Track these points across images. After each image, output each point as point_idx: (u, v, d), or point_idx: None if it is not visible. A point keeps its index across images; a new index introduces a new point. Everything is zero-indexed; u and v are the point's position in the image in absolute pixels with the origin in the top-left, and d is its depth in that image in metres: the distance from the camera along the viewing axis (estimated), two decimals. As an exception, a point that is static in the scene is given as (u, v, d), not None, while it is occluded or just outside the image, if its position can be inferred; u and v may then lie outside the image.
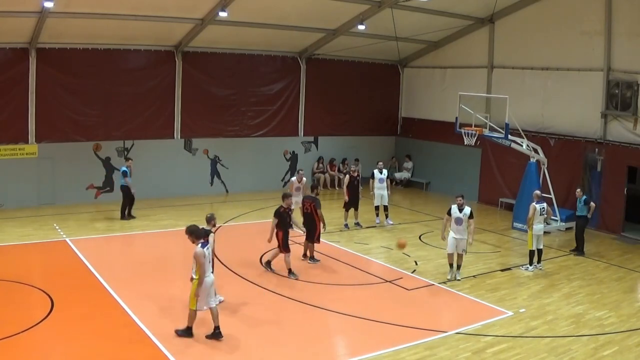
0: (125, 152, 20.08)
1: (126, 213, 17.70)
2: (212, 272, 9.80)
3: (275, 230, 13.06)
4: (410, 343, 9.84)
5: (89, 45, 18.83)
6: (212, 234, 10.56)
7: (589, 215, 15.62)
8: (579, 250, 15.69)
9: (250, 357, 9.35)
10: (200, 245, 9.52)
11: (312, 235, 14.04)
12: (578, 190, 15.80)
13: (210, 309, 9.69)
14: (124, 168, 17.67)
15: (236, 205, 20.12)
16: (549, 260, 14.90)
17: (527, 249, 14.44)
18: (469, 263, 14.36)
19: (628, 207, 17.95)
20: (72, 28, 17.50)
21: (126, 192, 17.58)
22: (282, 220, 13.03)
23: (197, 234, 9.61)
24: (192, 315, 9.63)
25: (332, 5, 18.39)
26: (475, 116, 18.24)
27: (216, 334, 9.69)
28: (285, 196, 13.38)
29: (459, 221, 12.95)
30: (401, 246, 14.05)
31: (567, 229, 17.97)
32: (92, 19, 16.95)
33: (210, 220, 10.98)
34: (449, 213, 13.09)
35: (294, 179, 17.10)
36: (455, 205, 13.04)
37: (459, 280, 12.94)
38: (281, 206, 13.19)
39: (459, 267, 13.19)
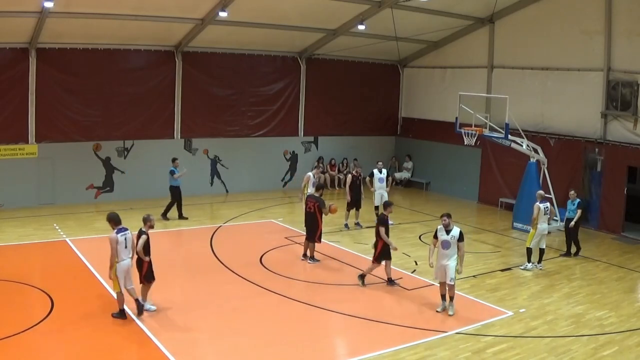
0: (126, 152, 20.11)
1: (169, 214, 17.71)
2: (131, 259, 10.38)
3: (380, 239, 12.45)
4: (410, 343, 9.84)
5: (89, 45, 18.84)
6: (144, 235, 10.47)
7: (571, 224, 15.11)
8: (568, 252, 15.43)
9: (250, 357, 9.35)
10: (115, 231, 10.15)
11: (313, 235, 14.03)
12: (572, 192, 15.49)
13: (127, 289, 10.33)
14: (171, 168, 17.70)
15: (236, 205, 20.12)
16: (549, 260, 14.90)
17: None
18: (469, 263, 14.34)
19: (628, 207, 17.95)
20: (72, 28, 17.50)
21: (174, 192, 17.61)
22: (387, 229, 12.51)
23: (114, 221, 10.29)
24: (119, 297, 10.32)
25: (332, 5, 18.40)
26: (475, 116, 18.24)
27: (121, 313, 10.38)
28: (388, 204, 12.92)
29: (445, 244, 11.21)
30: (332, 211, 14.29)
31: (567, 228, 17.99)
32: (92, 19, 16.96)
33: (146, 221, 10.77)
34: (436, 235, 11.35)
35: (311, 173, 16.90)
36: (442, 226, 11.27)
37: (451, 315, 11.14)
38: (383, 214, 12.71)
39: (451, 298, 11.28)
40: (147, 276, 10.69)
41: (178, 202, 17.75)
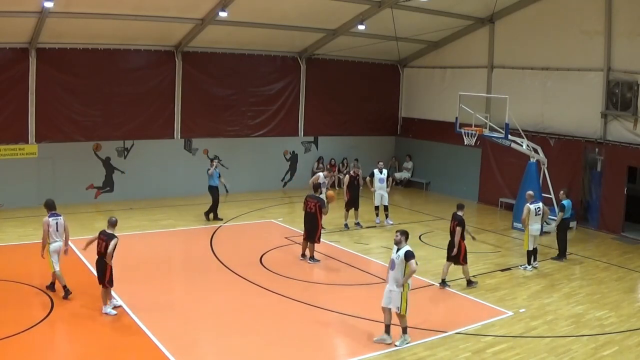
0: (126, 152, 20.11)
1: (210, 216, 17.78)
2: (63, 241, 11.35)
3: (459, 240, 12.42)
4: (410, 343, 9.83)
5: (89, 45, 18.83)
6: (115, 238, 10.44)
7: (551, 226, 14.90)
8: (560, 255, 15.15)
9: (250, 356, 9.35)
10: (48, 215, 11.21)
11: (313, 235, 14.02)
12: (561, 192, 15.37)
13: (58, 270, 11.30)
14: (209, 168, 17.85)
15: (236, 205, 20.10)
16: (550, 260, 14.90)
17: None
18: (469, 263, 14.33)
19: (628, 207, 17.95)
20: (72, 28, 17.50)
21: (213, 192, 17.68)
22: (464, 229, 12.57)
23: (48, 207, 11.37)
24: (53, 276, 11.34)
25: (332, 5, 18.40)
26: (475, 116, 18.24)
27: (52, 286, 11.44)
28: (463, 206, 12.94)
29: (391, 264, 9.73)
30: (331, 199, 14.91)
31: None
32: (92, 19, 16.95)
33: (114, 224, 10.73)
34: None
35: (322, 174, 16.82)
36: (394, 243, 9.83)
37: (397, 346, 9.62)
38: (460, 215, 12.62)
39: (404, 330, 9.72)
40: (110, 281, 10.60)
41: (215, 202, 17.80)
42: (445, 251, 12.85)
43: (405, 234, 9.89)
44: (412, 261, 9.57)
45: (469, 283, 12.72)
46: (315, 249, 14.24)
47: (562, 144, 19.41)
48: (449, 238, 12.73)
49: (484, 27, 21.66)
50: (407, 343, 9.72)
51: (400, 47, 22.09)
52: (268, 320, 10.72)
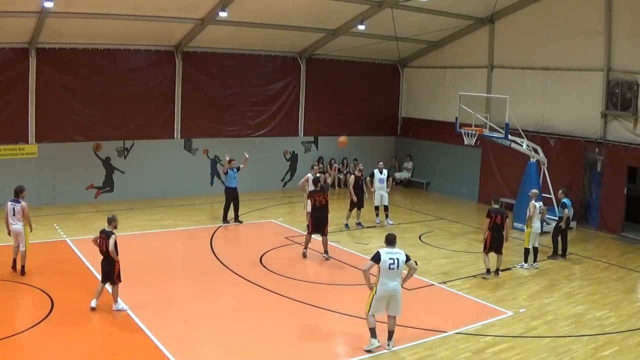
0: (126, 152, 20.11)
1: (228, 217, 17.58)
2: (19, 225, 12.09)
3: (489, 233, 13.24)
4: (410, 343, 9.83)
5: (89, 45, 18.83)
6: (113, 235, 10.53)
7: (561, 224, 14.84)
8: (554, 254, 15.11)
9: (250, 356, 9.35)
10: (10, 200, 12.15)
11: (324, 228, 14.14)
12: (560, 191, 15.37)
13: (20, 251, 12.18)
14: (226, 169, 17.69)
15: (236, 205, 20.11)
16: (549, 260, 14.90)
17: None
18: (469, 263, 14.36)
19: (628, 207, 17.95)
20: (72, 28, 17.50)
21: (229, 194, 17.50)
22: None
23: (14, 192, 12.20)
24: (22, 259, 12.27)
25: (332, 5, 18.40)
26: (475, 116, 18.24)
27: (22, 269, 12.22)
28: (496, 200, 13.54)
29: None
30: (342, 143, 15.93)
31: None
32: (92, 19, 16.96)
33: (111, 221, 10.78)
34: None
35: (310, 174, 16.92)
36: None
37: (388, 349, 9.52)
38: (500, 208, 13.35)
39: (390, 334, 9.60)
40: (119, 275, 10.69)
41: (235, 204, 17.58)
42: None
43: (386, 238, 9.77)
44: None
45: (498, 271, 13.42)
46: (312, 247, 14.24)
47: (562, 144, 19.41)
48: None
49: (484, 27, 21.66)
50: (371, 346, 9.43)
51: (400, 47, 22.09)
52: (268, 320, 10.72)
